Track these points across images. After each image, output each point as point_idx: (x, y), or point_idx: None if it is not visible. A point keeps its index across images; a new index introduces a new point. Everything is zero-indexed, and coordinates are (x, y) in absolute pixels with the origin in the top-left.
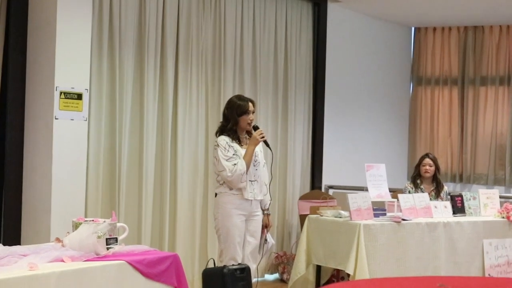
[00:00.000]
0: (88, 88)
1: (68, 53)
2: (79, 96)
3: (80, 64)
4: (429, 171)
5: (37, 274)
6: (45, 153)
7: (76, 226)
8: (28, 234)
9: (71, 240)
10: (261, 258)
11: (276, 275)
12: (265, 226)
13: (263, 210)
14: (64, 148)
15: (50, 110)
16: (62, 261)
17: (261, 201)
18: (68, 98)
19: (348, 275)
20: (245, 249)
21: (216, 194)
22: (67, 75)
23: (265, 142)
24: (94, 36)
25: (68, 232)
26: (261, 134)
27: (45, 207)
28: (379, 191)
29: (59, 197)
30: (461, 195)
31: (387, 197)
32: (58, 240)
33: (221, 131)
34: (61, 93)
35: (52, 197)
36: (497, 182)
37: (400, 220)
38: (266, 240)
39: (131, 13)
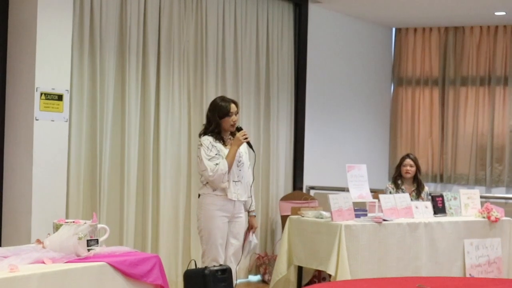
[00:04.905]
0: (69, 89)
1: (48, 54)
2: (60, 97)
3: (61, 65)
4: (410, 171)
5: (18, 276)
6: (26, 154)
7: (57, 227)
8: (8, 236)
9: (52, 242)
10: (242, 258)
11: (258, 276)
12: (251, 227)
13: (248, 212)
14: (44, 149)
15: (30, 111)
16: (43, 262)
17: (245, 203)
18: (48, 99)
19: (330, 275)
20: (227, 251)
21: (199, 195)
22: (48, 76)
23: (248, 143)
24: (75, 36)
25: (49, 234)
26: (244, 135)
27: (25, 209)
28: (360, 191)
29: (39, 198)
30: (442, 196)
31: (368, 197)
32: (38, 241)
33: (204, 133)
34: (41, 94)
35: (33, 199)
36: (477, 182)
37: (381, 220)
38: (250, 240)
39: (112, 14)
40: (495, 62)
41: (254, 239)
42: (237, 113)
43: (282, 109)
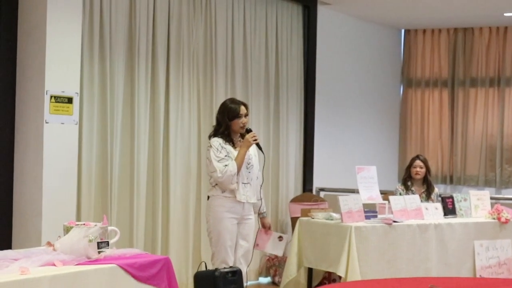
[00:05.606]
0: (79, 92)
1: (58, 57)
2: (70, 100)
3: (71, 68)
4: (419, 173)
5: (29, 279)
6: (36, 157)
7: (67, 230)
8: (19, 238)
9: (63, 244)
10: (280, 255)
11: (268, 278)
12: (269, 227)
13: (260, 213)
14: (54, 152)
15: (40, 114)
16: (54, 265)
17: (254, 205)
18: (58, 102)
19: (340, 277)
20: (237, 252)
21: (208, 197)
22: (58, 78)
23: (258, 145)
24: (84, 39)
25: (59, 236)
26: (254, 137)
27: (36, 211)
28: (370, 193)
29: (50, 201)
30: (452, 197)
31: (378, 199)
32: (49, 244)
33: (213, 135)
34: (51, 97)
35: (43, 201)
36: (487, 183)
37: (391, 222)
38: (281, 237)
39: (122, 16)
40: (504, 63)
41: (286, 236)
42: (246, 115)
43: (291, 110)
